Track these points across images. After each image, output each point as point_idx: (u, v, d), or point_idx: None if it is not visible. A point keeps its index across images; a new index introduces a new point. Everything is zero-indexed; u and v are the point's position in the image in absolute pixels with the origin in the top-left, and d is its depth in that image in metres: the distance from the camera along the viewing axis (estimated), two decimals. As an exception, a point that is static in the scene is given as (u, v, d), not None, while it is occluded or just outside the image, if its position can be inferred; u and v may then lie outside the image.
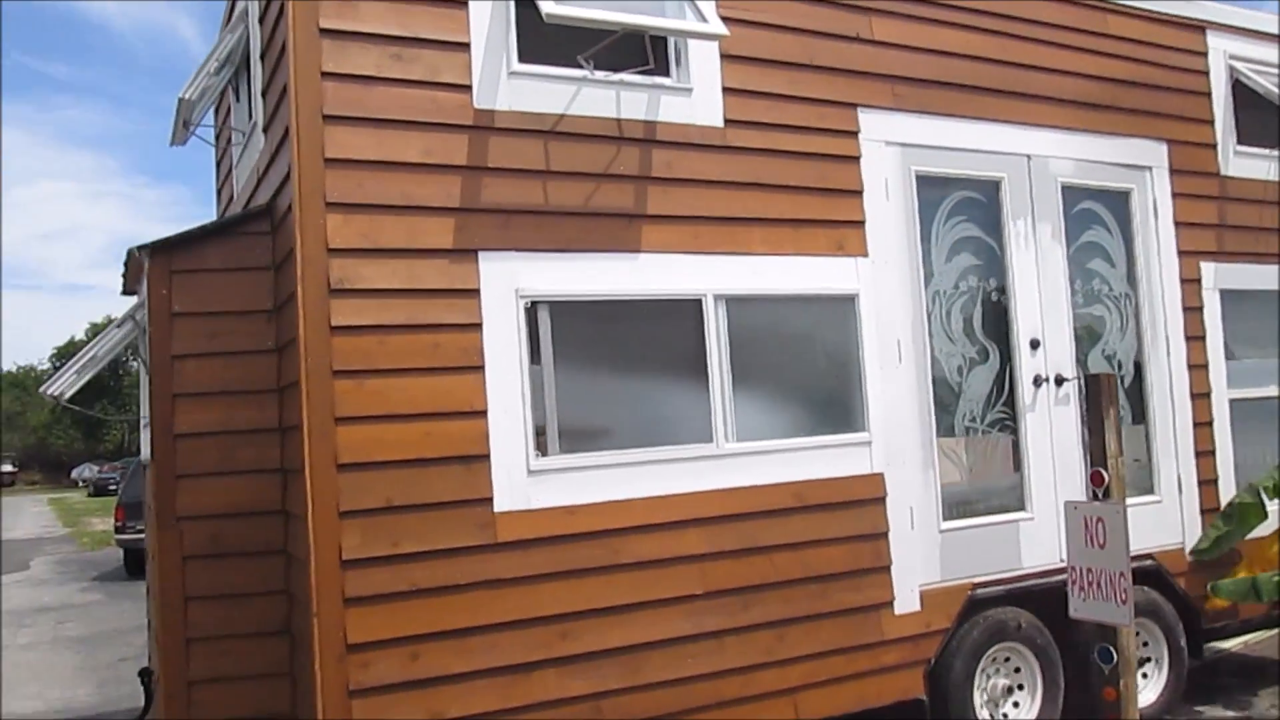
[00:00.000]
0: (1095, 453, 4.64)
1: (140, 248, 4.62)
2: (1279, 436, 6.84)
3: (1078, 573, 4.52)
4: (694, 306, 4.83)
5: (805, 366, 5.20)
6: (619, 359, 4.79)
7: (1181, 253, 6.39)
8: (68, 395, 5.17)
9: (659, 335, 4.86)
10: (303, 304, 4.11)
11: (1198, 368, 6.37)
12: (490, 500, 4.34)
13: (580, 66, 4.65)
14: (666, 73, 4.93)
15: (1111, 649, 4.55)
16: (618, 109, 4.75)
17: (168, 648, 4.56)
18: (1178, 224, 6.39)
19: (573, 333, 4.63)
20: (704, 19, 4.71)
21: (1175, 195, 6.40)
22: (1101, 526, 4.44)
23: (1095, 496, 4.53)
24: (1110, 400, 4.74)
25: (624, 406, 4.74)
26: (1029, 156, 5.85)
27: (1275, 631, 7.00)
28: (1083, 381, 5.84)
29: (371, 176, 4.26)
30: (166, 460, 4.60)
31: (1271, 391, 6.79)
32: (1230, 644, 7.41)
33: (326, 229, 4.16)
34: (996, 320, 5.72)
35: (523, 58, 4.61)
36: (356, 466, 4.13)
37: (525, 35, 4.61)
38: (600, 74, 4.71)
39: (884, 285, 5.31)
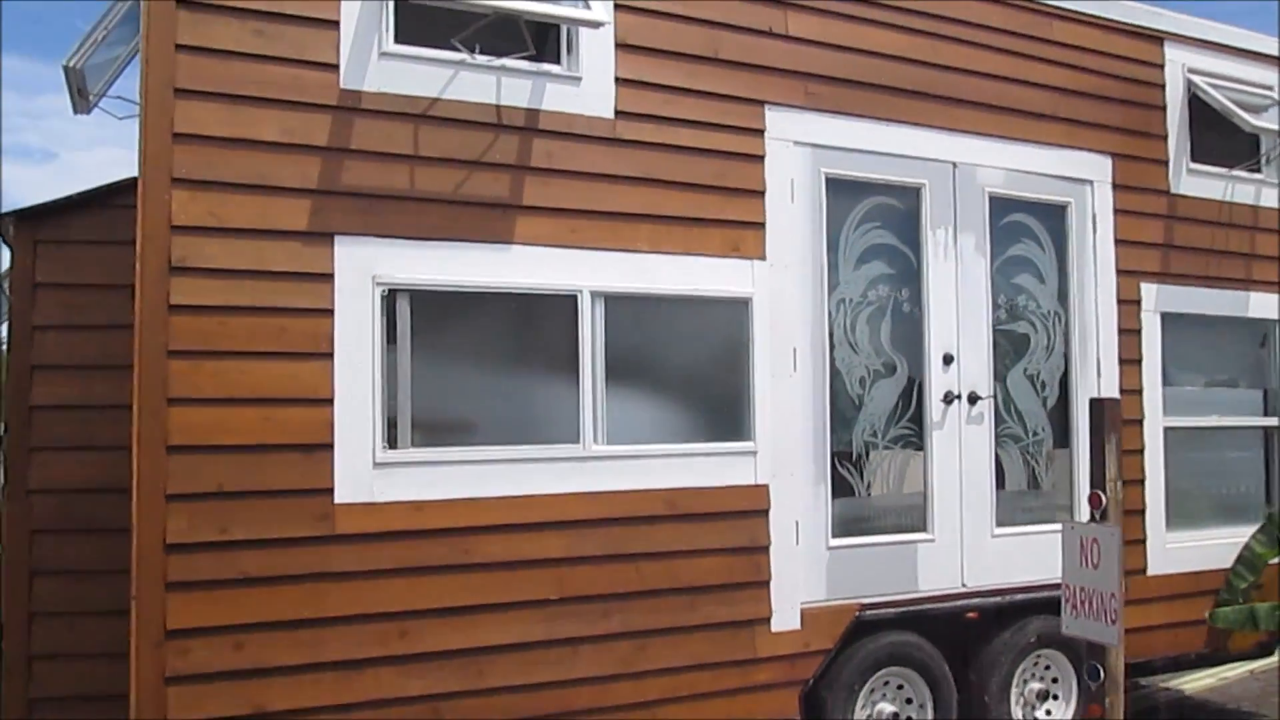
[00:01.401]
0: (1095, 475, 4.73)
1: (4, 215, 4.58)
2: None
3: (1071, 591, 4.68)
4: (568, 302, 4.71)
5: (690, 370, 5.05)
6: (484, 353, 4.68)
7: (1121, 272, 6.15)
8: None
9: (529, 330, 4.74)
10: (141, 281, 4.04)
11: (1130, 393, 6.13)
12: (331, 491, 4.25)
13: (456, 50, 4.52)
14: (557, 60, 4.79)
15: (1099, 666, 4.67)
16: (498, 95, 4.63)
17: (10, 621, 4.52)
18: (1118, 242, 6.15)
19: (435, 323, 4.52)
20: (586, 5, 4.56)
21: (1118, 212, 6.16)
22: (1096, 547, 4.58)
23: (1093, 518, 4.68)
24: (1112, 425, 4.78)
25: (486, 402, 4.63)
26: (955, 164, 5.65)
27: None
28: (995, 400, 5.67)
29: (223, 154, 4.17)
30: (20, 432, 4.56)
31: (1217, 421, 6.53)
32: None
33: (171, 205, 4.08)
34: (907, 333, 5.54)
35: (402, 39, 4.50)
36: (188, 449, 4.06)
37: (407, 16, 4.51)
38: (482, 58, 4.59)
39: (782, 291, 5.14)
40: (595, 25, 4.62)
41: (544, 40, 4.79)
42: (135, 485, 3.99)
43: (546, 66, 4.74)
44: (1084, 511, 5.88)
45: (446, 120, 4.53)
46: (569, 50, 4.81)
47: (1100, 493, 4.65)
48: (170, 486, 4.02)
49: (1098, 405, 4.84)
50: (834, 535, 5.23)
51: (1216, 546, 6.36)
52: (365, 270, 4.34)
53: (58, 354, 4.57)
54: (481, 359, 4.67)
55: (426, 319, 4.49)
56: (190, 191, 4.11)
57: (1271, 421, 6.74)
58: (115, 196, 4.71)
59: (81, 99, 5.38)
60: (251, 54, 4.23)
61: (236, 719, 4.08)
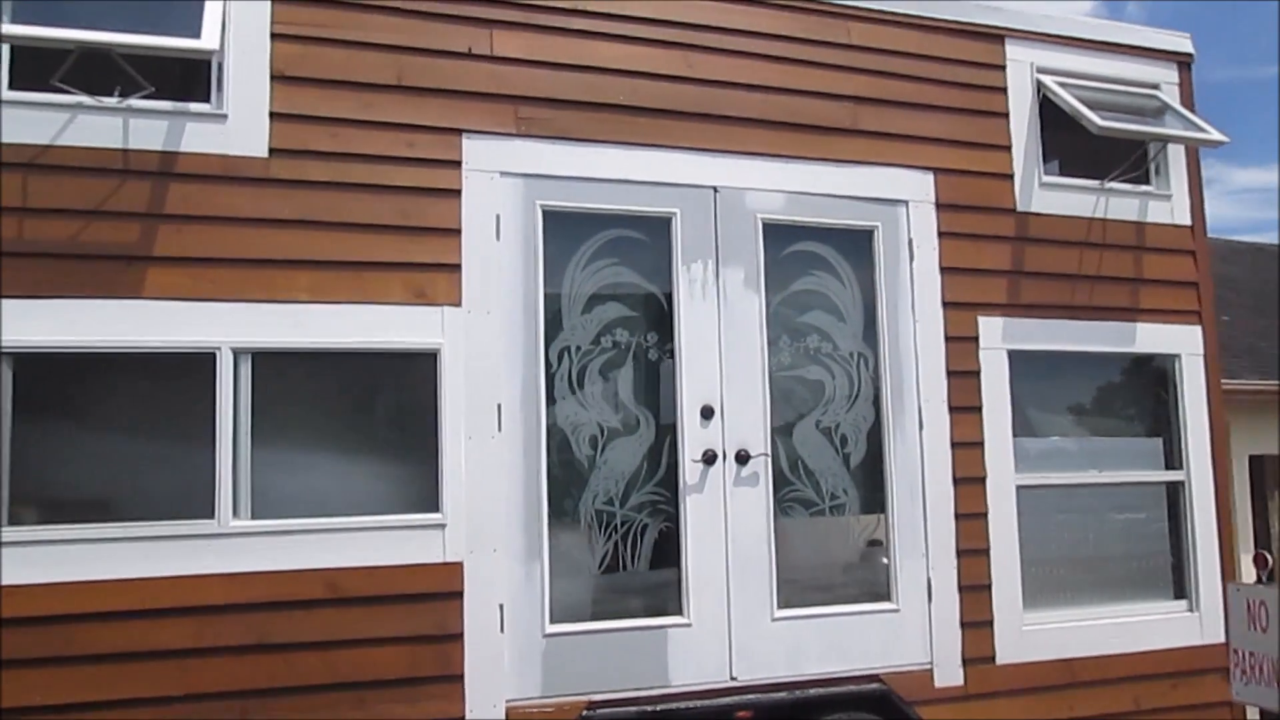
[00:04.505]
0: (1260, 535, 4.88)
1: None
2: None
3: (1240, 656, 4.67)
4: (206, 360, 4.36)
5: (363, 434, 4.63)
6: (107, 420, 4.36)
7: (949, 304, 5.45)
8: None
9: (161, 394, 4.42)
10: None
11: (966, 445, 5.38)
12: (-101, 579, 3.98)
13: (68, 91, 4.31)
14: (206, 98, 4.54)
15: None
16: (125, 138, 4.38)
17: None
18: (946, 270, 5.46)
19: (45, 388, 4.26)
20: (197, 35, 4.29)
21: (943, 235, 5.49)
22: (1264, 610, 4.55)
23: (1259, 580, 4.77)
24: (1275, 482, 4.50)
25: (106, 475, 4.31)
26: (716, 189, 5.12)
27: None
28: (776, 458, 5.02)
29: None
30: None
31: (1096, 477, 5.67)
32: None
33: None
34: (655, 383, 4.99)
35: (21, 84, 4.32)
36: None
37: (25, 60, 4.33)
38: (110, 100, 4.37)
39: (483, 340, 4.69)
40: (204, 55, 4.34)
41: (193, 78, 4.55)
42: None
43: (187, 105, 4.49)
44: (901, 588, 5.20)
45: (59, 168, 4.31)
46: (218, 87, 4.54)
47: (1266, 553, 4.71)
48: None
49: (1258, 461, 4.91)
50: (553, 620, 4.68)
51: (1097, 628, 5.48)
52: (-47, 333, 4.12)
53: None
54: (103, 427, 4.36)
55: (34, 384, 4.23)
56: None
57: (1176, 475, 5.81)
58: None
59: None
60: None
61: None
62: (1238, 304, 18.23)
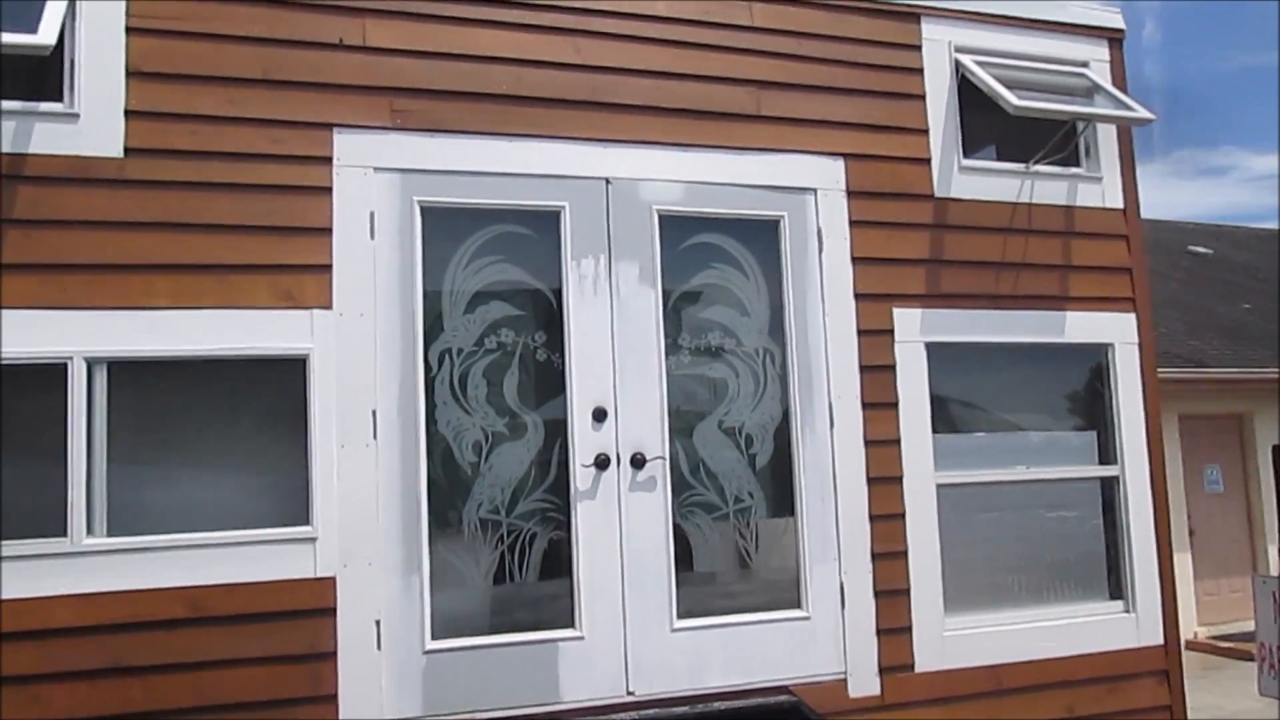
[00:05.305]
0: None
1: None
2: None
3: (1266, 649, 4.58)
4: (57, 371, 4.21)
5: (229, 445, 4.46)
6: (-50, 436, 4.20)
7: (862, 296, 5.25)
8: None
9: (8, 407, 4.25)
10: None
11: (882, 444, 5.18)
12: None
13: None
14: (59, 97, 4.38)
15: None
16: (-33, 142, 4.23)
17: None
18: (857, 260, 5.26)
19: (-117, 405, 4.10)
20: (34, 30, 4.13)
21: (855, 224, 5.29)
22: None
23: None
24: None
25: (-52, 493, 4.15)
26: (608, 180, 4.94)
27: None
28: (675, 460, 4.84)
29: None
30: None
31: (1023, 474, 5.46)
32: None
33: None
34: (544, 385, 4.81)
35: None
36: None
37: None
38: (-48, 102, 4.22)
39: (356, 344, 4.53)
40: (39, 51, 4.17)
41: (46, 77, 4.39)
42: None
43: (35, 105, 4.33)
44: (812, 594, 5.01)
45: (-103, 175, 4.16)
46: (70, 85, 4.38)
47: None
48: None
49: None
50: (435, 636, 4.50)
51: (1026, 632, 5.28)
52: None
53: None
54: (-52, 443, 4.20)
55: (-128, 400, 4.07)
56: None
57: (1110, 471, 5.60)
58: None
59: None
60: None
61: None
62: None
